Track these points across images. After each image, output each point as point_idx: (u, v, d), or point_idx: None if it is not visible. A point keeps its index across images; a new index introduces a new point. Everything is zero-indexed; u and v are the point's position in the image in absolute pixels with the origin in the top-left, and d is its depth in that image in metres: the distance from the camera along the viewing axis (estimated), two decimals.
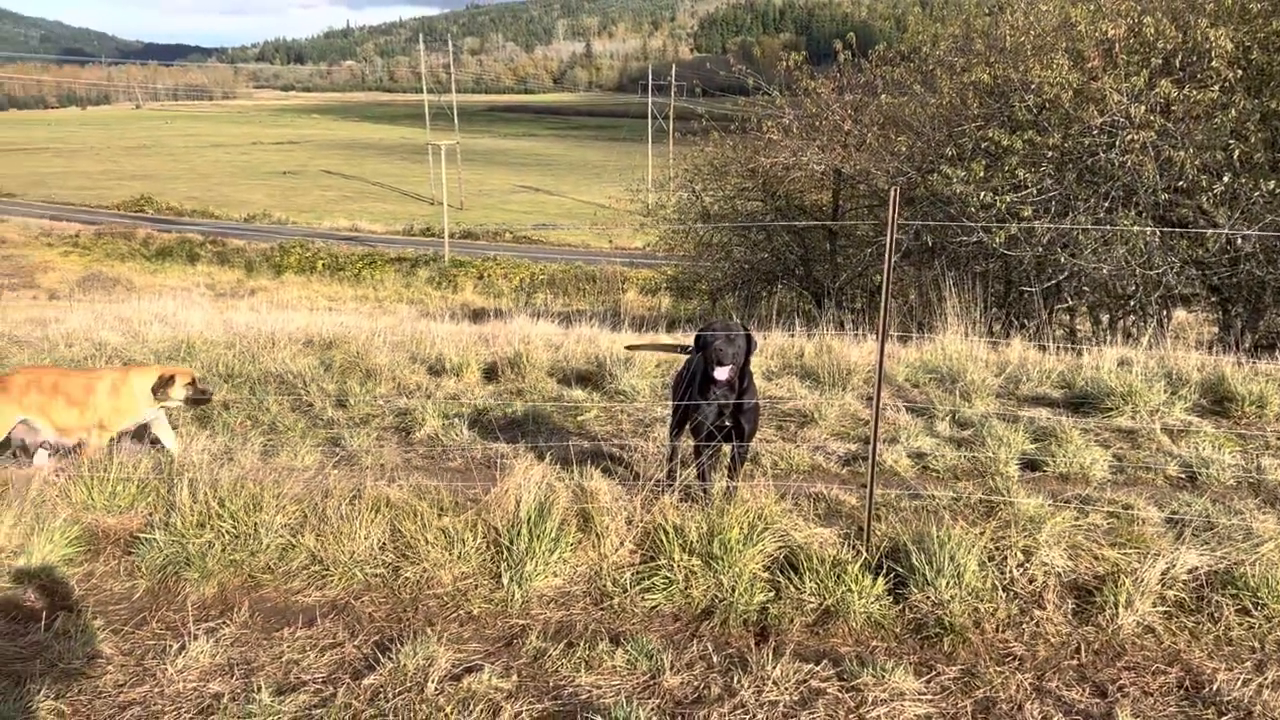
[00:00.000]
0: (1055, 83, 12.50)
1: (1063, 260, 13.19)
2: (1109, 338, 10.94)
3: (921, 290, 16.88)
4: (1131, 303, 13.44)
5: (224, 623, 4.03)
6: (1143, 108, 11.61)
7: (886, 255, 4.05)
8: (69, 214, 69.98)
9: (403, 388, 9.07)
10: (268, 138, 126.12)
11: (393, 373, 9.34)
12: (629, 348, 6.54)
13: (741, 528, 4.26)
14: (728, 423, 5.00)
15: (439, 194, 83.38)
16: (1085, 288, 14.50)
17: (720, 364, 4.84)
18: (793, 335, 11.40)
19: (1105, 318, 15.03)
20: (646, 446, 6.50)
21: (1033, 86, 12.98)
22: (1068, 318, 16.59)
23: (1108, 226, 12.49)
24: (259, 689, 3.47)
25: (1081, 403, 7.69)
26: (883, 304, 4.17)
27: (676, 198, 24.08)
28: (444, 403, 7.97)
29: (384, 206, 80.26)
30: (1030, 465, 6.03)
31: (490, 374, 9.59)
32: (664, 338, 11.97)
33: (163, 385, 5.89)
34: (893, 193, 4.04)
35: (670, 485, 4.93)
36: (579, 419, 7.68)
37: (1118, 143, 12.20)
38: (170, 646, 3.83)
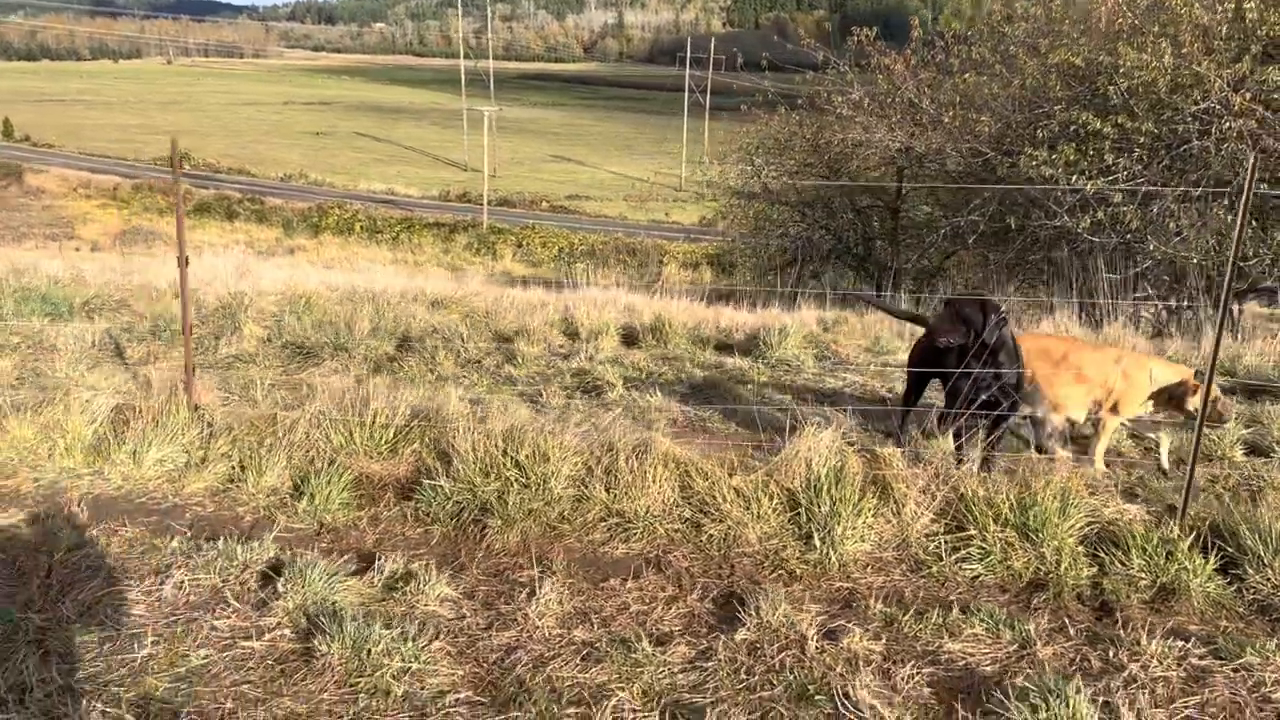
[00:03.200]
0: (1152, 67, 12.23)
1: (1151, 247, 13.03)
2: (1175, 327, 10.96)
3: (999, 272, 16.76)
4: (1215, 293, 13.28)
5: (544, 571, 4.01)
6: (1244, 95, 11.34)
7: (1237, 230, 3.96)
8: (106, 167, 70.03)
9: (552, 348, 9.07)
10: (299, 97, 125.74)
11: (543, 335, 9.33)
12: (871, 302, 6.48)
13: (1054, 501, 4.23)
14: (984, 395, 4.96)
15: (471, 160, 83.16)
16: (1165, 276, 14.35)
17: (950, 334, 4.86)
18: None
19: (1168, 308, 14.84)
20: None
21: (1122, 70, 12.73)
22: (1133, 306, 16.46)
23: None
24: (639, 638, 3.46)
25: (1259, 390, 7.59)
26: (1225, 284, 4.10)
27: (738, 170, 23.84)
28: (620, 367, 7.94)
29: (416, 170, 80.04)
30: (1252, 450, 5.96)
31: (630, 339, 9.57)
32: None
33: (1184, 393, 5.16)
34: (1252, 159, 3.95)
35: (902, 448, 4.95)
36: (750, 386, 7.64)
37: (1214, 131, 11.96)
38: (515, 593, 3.82)
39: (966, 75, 16.46)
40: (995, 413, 4.92)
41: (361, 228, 56.72)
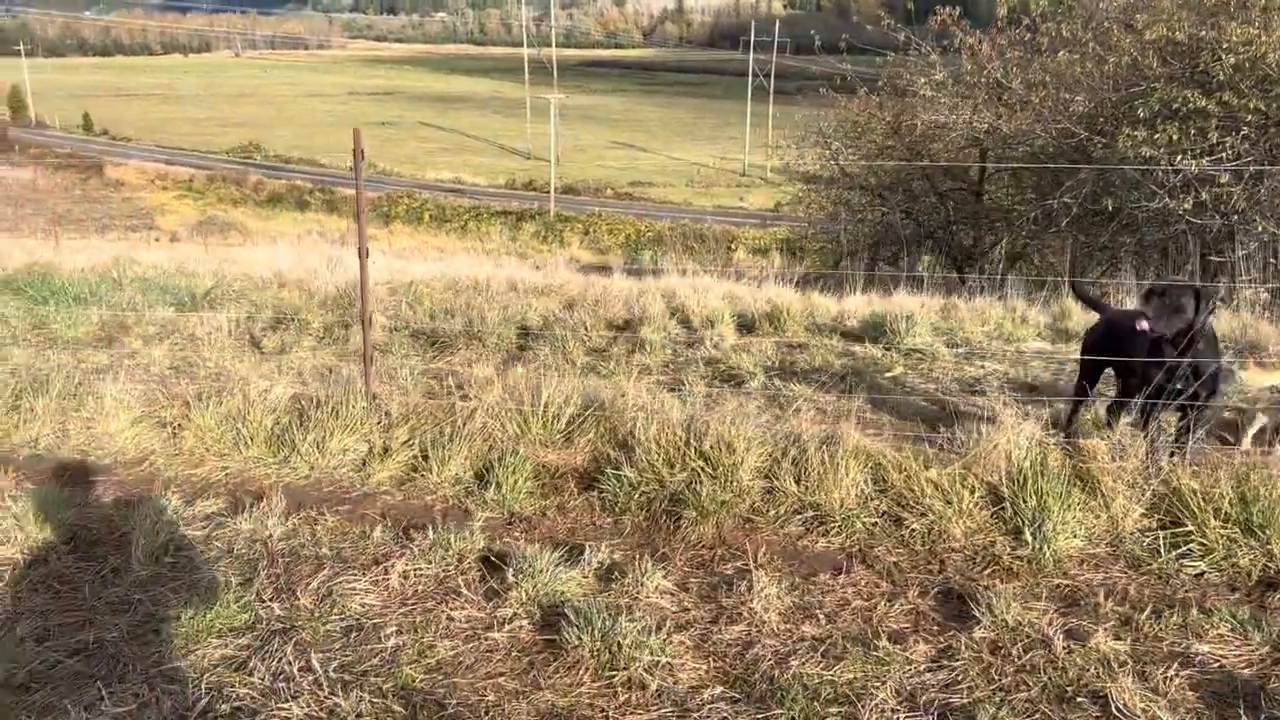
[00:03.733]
0: (1262, 42, 11.71)
1: (1259, 229, 12.54)
2: None
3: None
4: None
5: (747, 565, 3.95)
6: None
7: None
8: (181, 158, 71.54)
9: (672, 336, 9.01)
10: (363, 88, 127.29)
11: (660, 323, 9.28)
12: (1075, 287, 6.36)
13: None
14: (1180, 385, 4.77)
15: (534, 148, 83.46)
16: (1271, 259, 13.85)
17: (1162, 323, 4.66)
18: (1003, 297, 11.01)
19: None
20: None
21: (1226, 45, 12.22)
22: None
23: None
24: (875, 635, 3.39)
25: None
26: None
27: (815, 154, 23.52)
28: (750, 355, 7.85)
29: (480, 159, 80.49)
30: None
31: (745, 326, 9.47)
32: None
33: None
34: None
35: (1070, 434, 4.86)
36: (888, 375, 7.51)
37: None
38: (730, 585, 3.77)
39: (1059, 54, 16.01)
40: (1196, 404, 4.74)
41: (430, 216, 57.29)
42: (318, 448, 4.89)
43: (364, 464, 4.87)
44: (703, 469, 4.56)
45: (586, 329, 8.93)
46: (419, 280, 11.88)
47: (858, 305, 10.53)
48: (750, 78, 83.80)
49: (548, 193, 61.19)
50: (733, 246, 48.76)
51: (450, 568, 3.74)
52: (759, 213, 59.40)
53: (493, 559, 3.85)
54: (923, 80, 17.94)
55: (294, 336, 8.59)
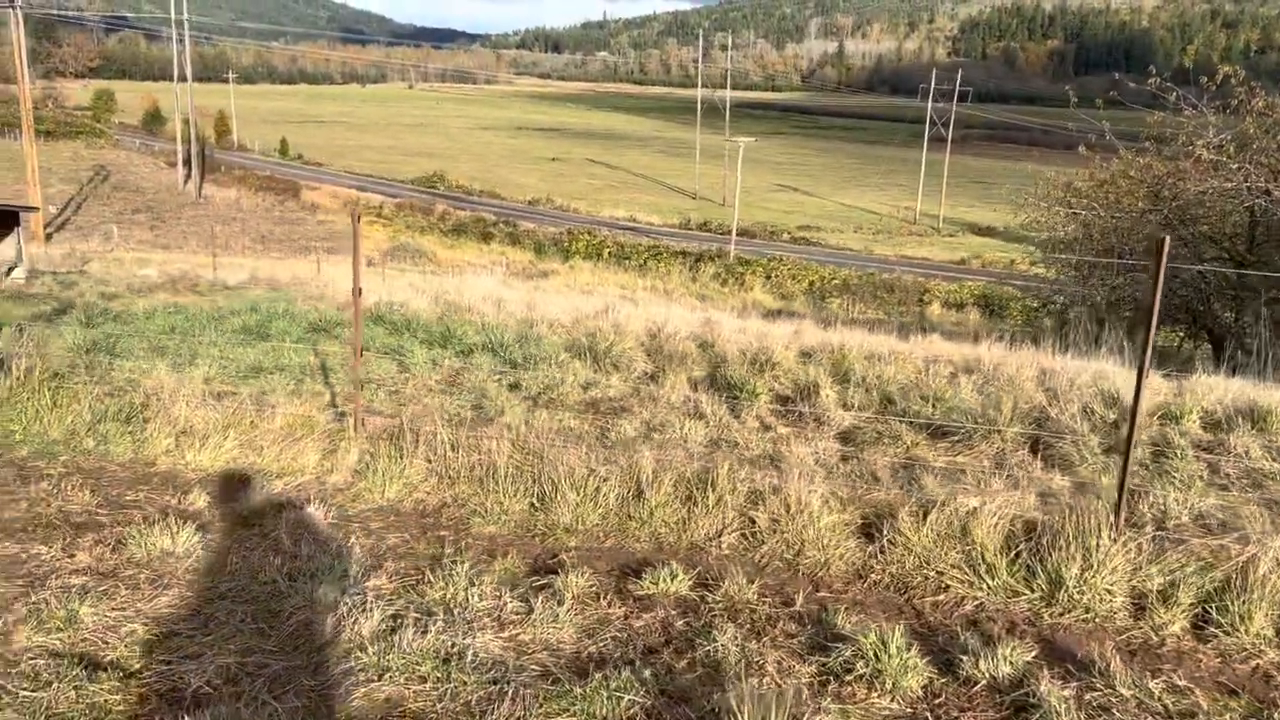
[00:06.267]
0: None
1: None
2: None
3: None
4: None
5: None
6: None
7: None
8: (370, 185, 74.51)
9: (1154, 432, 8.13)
10: (530, 123, 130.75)
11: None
12: None
13: None
14: None
15: (701, 188, 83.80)
16: None
17: None
18: None
19: None
20: None
21: None
22: None
23: None
24: None
25: None
26: None
27: (1064, 216, 22.43)
28: None
29: (647, 197, 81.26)
30: None
31: (1213, 426, 8.48)
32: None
33: None
34: None
35: None
36: None
37: None
38: None
39: None
40: None
41: (609, 254, 57.77)
42: (1083, 585, 4.28)
43: (1141, 610, 4.24)
44: None
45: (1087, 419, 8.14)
46: (775, 346, 11.36)
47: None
48: (927, 125, 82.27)
49: (721, 234, 61.10)
50: (925, 299, 47.41)
51: None
52: (945, 265, 57.95)
53: None
54: (1200, 143, 16.80)
55: (770, 410, 8.10)
